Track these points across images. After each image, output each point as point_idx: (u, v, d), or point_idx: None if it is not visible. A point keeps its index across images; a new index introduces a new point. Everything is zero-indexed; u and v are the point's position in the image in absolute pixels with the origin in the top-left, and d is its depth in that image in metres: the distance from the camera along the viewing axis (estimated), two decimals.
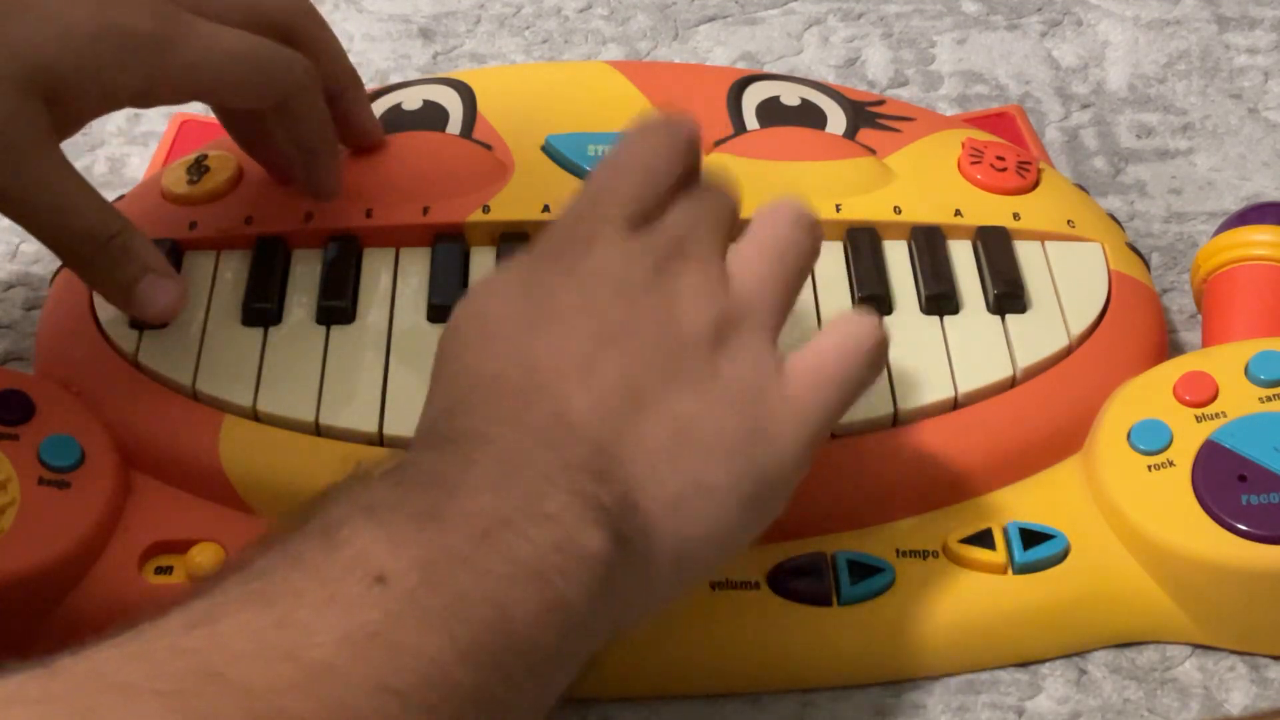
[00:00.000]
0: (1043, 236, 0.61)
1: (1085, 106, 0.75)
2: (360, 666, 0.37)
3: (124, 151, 0.71)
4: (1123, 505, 0.53)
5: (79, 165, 0.70)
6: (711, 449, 0.46)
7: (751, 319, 0.48)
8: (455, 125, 0.65)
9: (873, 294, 0.58)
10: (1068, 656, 0.53)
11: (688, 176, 0.51)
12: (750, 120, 0.65)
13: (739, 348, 0.48)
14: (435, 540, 0.40)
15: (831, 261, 0.60)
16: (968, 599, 0.53)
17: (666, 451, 0.45)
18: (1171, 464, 0.53)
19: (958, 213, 0.62)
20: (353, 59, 0.76)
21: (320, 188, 0.59)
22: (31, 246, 0.67)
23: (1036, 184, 0.63)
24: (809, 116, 0.66)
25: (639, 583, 0.44)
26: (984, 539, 0.53)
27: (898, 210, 0.61)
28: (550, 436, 0.44)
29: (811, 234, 0.51)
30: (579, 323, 0.47)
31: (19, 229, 0.67)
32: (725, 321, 0.48)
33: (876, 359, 0.50)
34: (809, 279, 0.59)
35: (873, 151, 0.64)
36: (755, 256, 0.50)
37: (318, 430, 0.54)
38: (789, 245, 0.51)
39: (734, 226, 0.52)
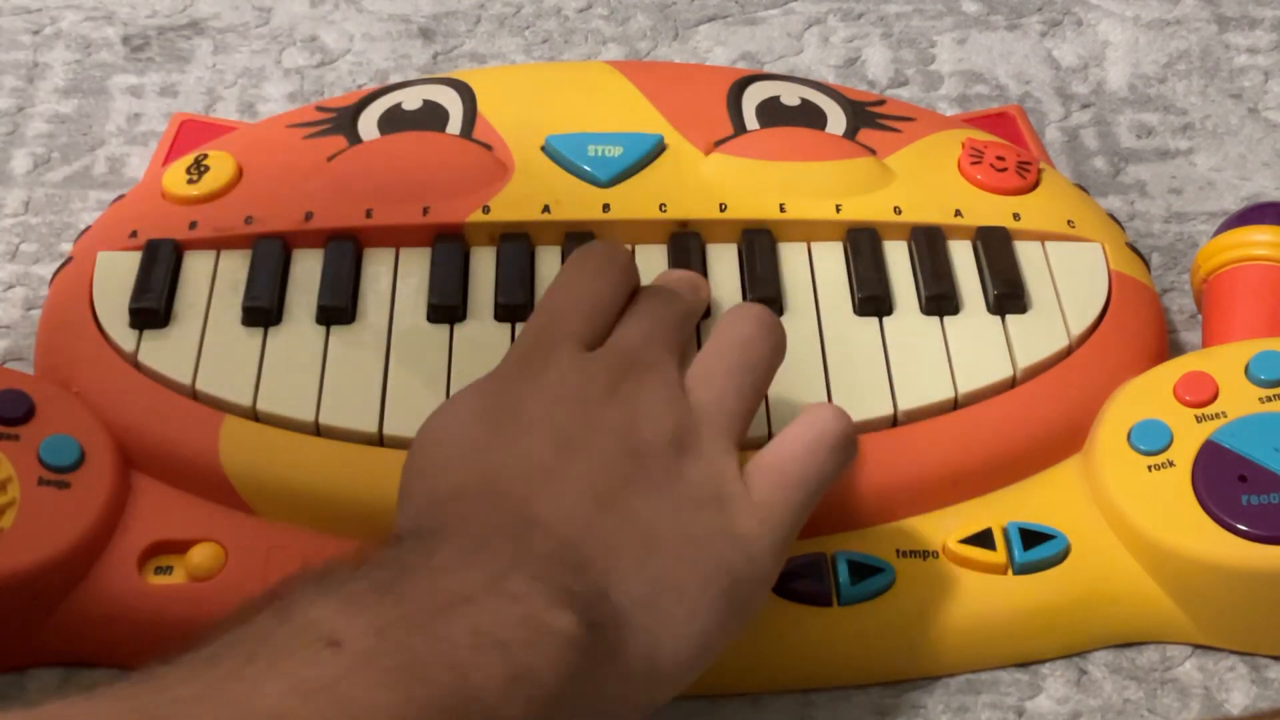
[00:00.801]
0: (1043, 237, 0.61)
1: (1085, 106, 0.75)
2: (310, 714, 0.37)
3: (124, 151, 0.71)
4: (1123, 505, 0.53)
5: (79, 165, 0.70)
6: (679, 552, 0.46)
7: (711, 426, 0.49)
8: (455, 125, 0.65)
9: (873, 294, 0.58)
10: (1068, 656, 0.53)
11: (632, 292, 0.53)
12: (750, 120, 0.65)
13: (699, 454, 0.48)
14: (392, 610, 0.40)
15: (831, 262, 0.60)
16: (968, 599, 0.53)
17: (634, 552, 0.45)
18: (1171, 464, 0.53)
19: (958, 213, 0.62)
20: (353, 59, 0.76)
21: None
22: (31, 246, 0.67)
23: (1036, 184, 0.63)
24: (809, 116, 0.66)
25: (613, 674, 0.43)
26: (984, 539, 0.53)
27: (898, 210, 0.61)
28: (515, 531, 0.44)
29: (772, 337, 0.52)
30: (540, 435, 0.47)
31: (19, 229, 0.67)
32: (685, 429, 0.48)
33: (843, 449, 0.50)
34: (808, 282, 0.59)
35: (873, 151, 0.64)
36: (715, 365, 0.51)
37: (317, 430, 0.54)
38: (749, 351, 0.51)
39: (686, 330, 0.53)
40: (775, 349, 0.52)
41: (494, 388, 0.50)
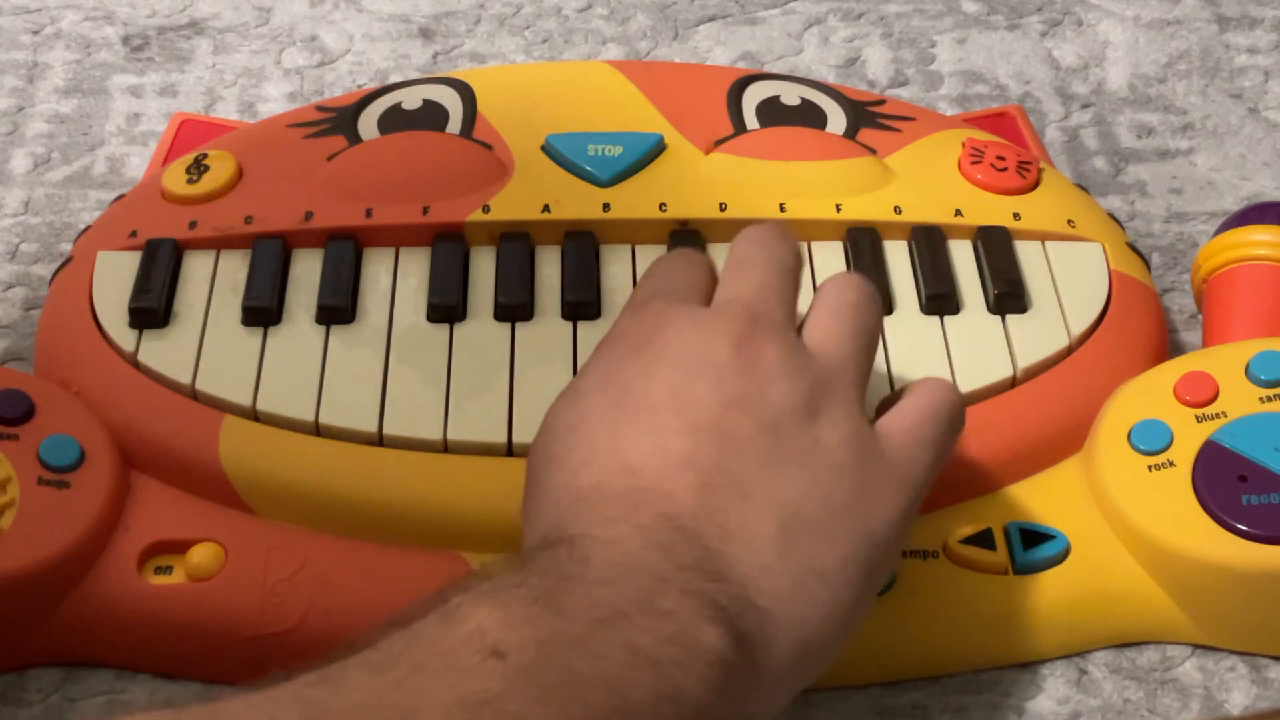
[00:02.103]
0: (1043, 236, 0.61)
1: (1085, 106, 0.75)
2: None
3: (124, 151, 0.71)
4: (1123, 505, 0.53)
5: (78, 165, 0.70)
6: (822, 528, 0.45)
7: (839, 384, 0.48)
8: (455, 125, 0.65)
9: None
10: (1068, 656, 0.53)
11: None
12: (750, 120, 0.65)
13: (834, 415, 0.47)
14: (551, 623, 0.40)
15: (832, 262, 0.60)
16: (968, 599, 0.53)
17: (776, 542, 0.45)
18: (1172, 464, 0.53)
19: (958, 213, 0.62)
20: (353, 59, 0.76)
21: None
22: (31, 246, 0.67)
23: (1037, 184, 0.63)
24: (809, 116, 0.66)
25: (759, 678, 0.43)
26: (984, 539, 0.53)
27: (898, 210, 0.61)
28: (660, 538, 0.44)
29: (878, 306, 0.51)
30: (672, 418, 0.46)
31: (19, 228, 0.67)
32: (816, 391, 0.47)
33: (959, 421, 0.50)
34: (809, 282, 0.59)
35: (873, 151, 0.64)
36: (832, 324, 0.50)
37: (317, 430, 0.54)
38: (860, 310, 0.50)
39: (798, 280, 0.52)
40: (880, 318, 0.52)
41: (617, 363, 0.48)
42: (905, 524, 0.47)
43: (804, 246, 0.58)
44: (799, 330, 0.50)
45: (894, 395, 0.51)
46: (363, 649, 0.40)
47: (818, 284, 0.58)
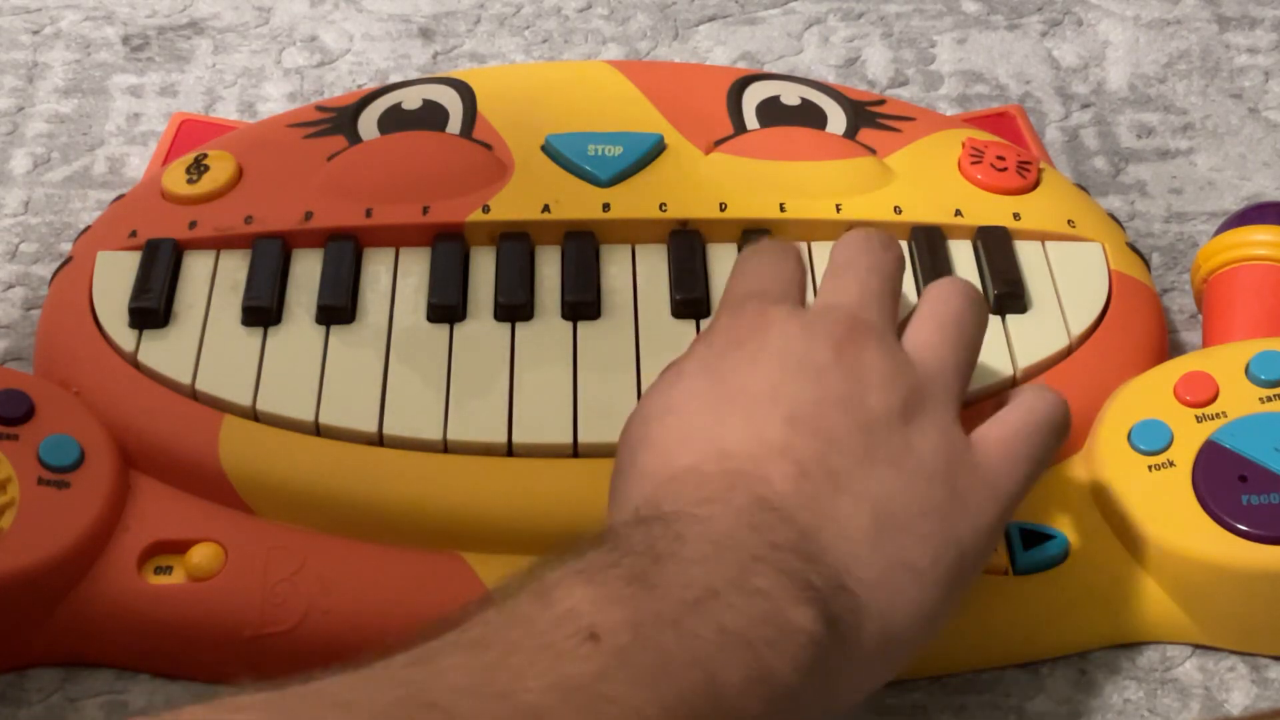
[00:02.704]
0: (1043, 236, 0.61)
1: (1085, 106, 0.75)
2: (568, 713, 0.38)
3: (124, 151, 0.71)
4: (1123, 505, 0.53)
5: (78, 165, 0.70)
6: (912, 527, 0.46)
7: (936, 394, 0.48)
8: (455, 125, 0.65)
9: None
10: (1068, 656, 0.53)
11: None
12: (750, 120, 0.65)
13: (928, 423, 0.48)
14: (646, 604, 0.41)
15: None
16: (968, 599, 0.53)
17: (868, 534, 0.45)
18: (1172, 464, 0.53)
19: (958, 213, 0.62)
20: (352, 59, 0.76)
21: None
22: (31, 246, 0.67)
23: (1037, 184, 0.63)
24: (809, 116, 0.66)
25: (847, 663, 0.44)
26: None
27: (898, 210, 0.61)
28: (755, 519, 0.44)
29: (983, 315, 0.52)
30: (770, 409, 0.47)
31: (19, 229, 0.67)
32: (913, 398, 0.48)
33: (1063, 432, 0.50)
34: (812, 281, 0.59)
35: (873, 151, 0.64)
36: (934, 332, 0.50)
37: (317, 430, 0.54)
38: (964, 320, 0.51)
39: (899, 285, 0.52)
40: (983, 328, 0.52)
41: (718, 355, 0.49)
42: (995, 534, 0.48)
43: (804, 247, 0.58)
44: (901, 333, 0.50)
45: (1001, 400, 0.51)
46: (457, 625, 0.40)
47: (818, 284, 0.59)
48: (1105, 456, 0.54)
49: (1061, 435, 0.51)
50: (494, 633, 0.40)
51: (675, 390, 0.48)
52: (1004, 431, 0.49)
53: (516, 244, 0.60)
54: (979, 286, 0.58)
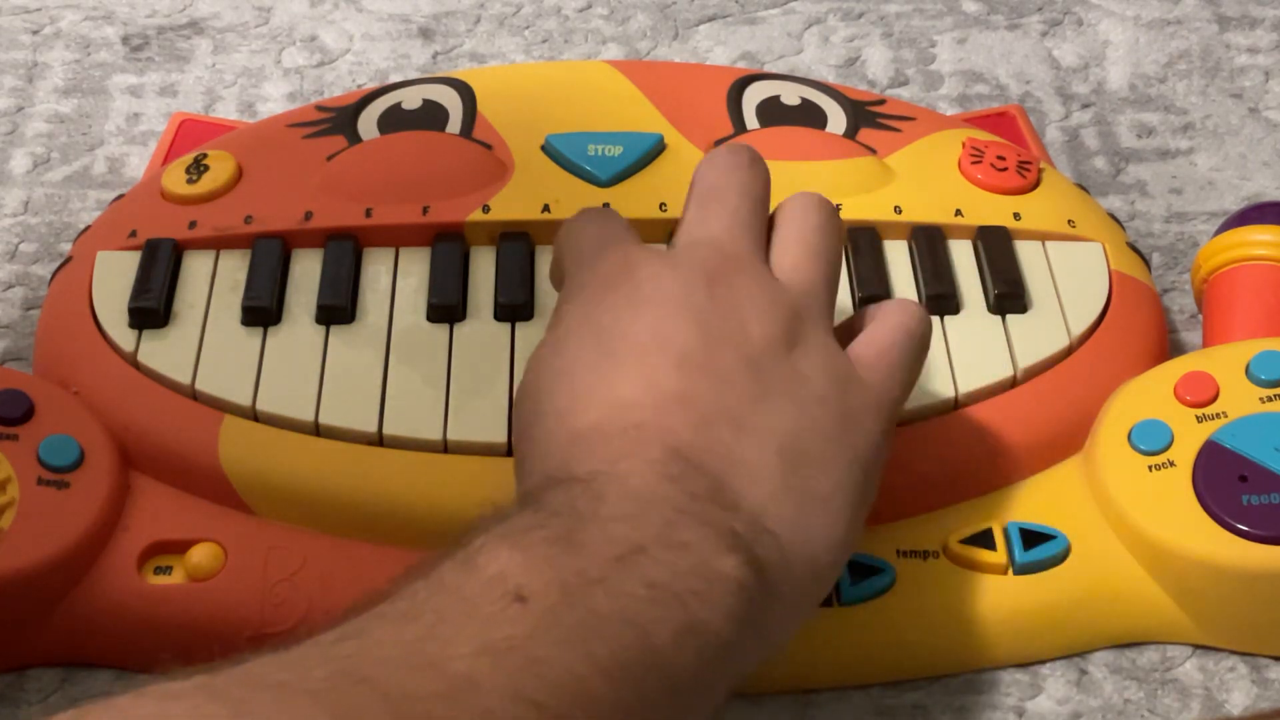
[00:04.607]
0: (1043, 236, 0.61)
1: (1086, 106, 0.75)
2: (500, 677, 0.38)
3: (123, 151, 0.71)
4: (1123, 505, 0.53)
5: (78, 165, 0.70)
6: (815, 456, 0.46)
7: (813, 315, 0.49)
8: (455, 125, 0.65)
9: (873, 294, 0.58)
10: (1068, 656, 0.53)
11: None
12: (750, 120, 0.65)
13: (811, 346, 0.48)
14: (572, 564, 0.41)
15: None
16: (968, 599, 0.53)
17: (776, 472, 0.45)
18: (1172, 464, 0.53)
19: (958, 212, 0.62)
20: (352, 59, 0.76)
21: None
22: (31, 246, 0.67)
23: (1037, 184, 0.63)
24: (809, 116, 0.66)
25: (777, 604, 0.44)
26: (984, 539, 0.53)
27: (898, 210, 0.61)
28: (669, 470, 0.44)
29: (839, 225, 0.52)
30: (659, 357, 0.46)
31: (19, 228, 0.67)
32: (791, 322, 0.48)
33: (927, 342, 0.51)
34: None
35: (873, 151, 0.64)
36: (799, 252, 0.50)
37: (317, 430, 0.54)
38: (825, 233, 0.51)
39: (764, 209, 0.51)
40: (841, 238, 0.52)
41: (590, 309, 0.49)
42: (885, 444, 0.48)
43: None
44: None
45: (859, 318, 0.51)
46: (385, 599, 0.40)
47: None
48: (1105, 456, 0.54)
49: (926, 343, 0.51)
50: (421, 603, 0.40)
51: (560, 355, 0.48)
52: (879, 345, 0.49)
53: (516, 244, 0.60)
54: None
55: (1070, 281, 0.60)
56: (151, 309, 0.57)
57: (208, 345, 0.57)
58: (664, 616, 0.41)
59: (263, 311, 0.57)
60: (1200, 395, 0.55)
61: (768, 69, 0.76)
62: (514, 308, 0.58)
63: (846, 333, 0.50)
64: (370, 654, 0.38)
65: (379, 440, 0.54)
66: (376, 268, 0.60)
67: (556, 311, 0.50)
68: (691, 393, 0.46)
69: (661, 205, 0.61)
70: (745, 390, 0.46)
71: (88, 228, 0.63)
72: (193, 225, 0.61)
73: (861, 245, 0.60)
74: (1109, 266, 0.61)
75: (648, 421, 0.45)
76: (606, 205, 0.58)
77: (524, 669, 0.38)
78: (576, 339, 0.48)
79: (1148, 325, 0.60)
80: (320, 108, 0.67)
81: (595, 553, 0.41)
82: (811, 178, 0.62)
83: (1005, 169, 0.63)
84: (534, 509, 0.43)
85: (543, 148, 0.63)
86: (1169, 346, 0.61)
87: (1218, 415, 0.54)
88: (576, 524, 0.42)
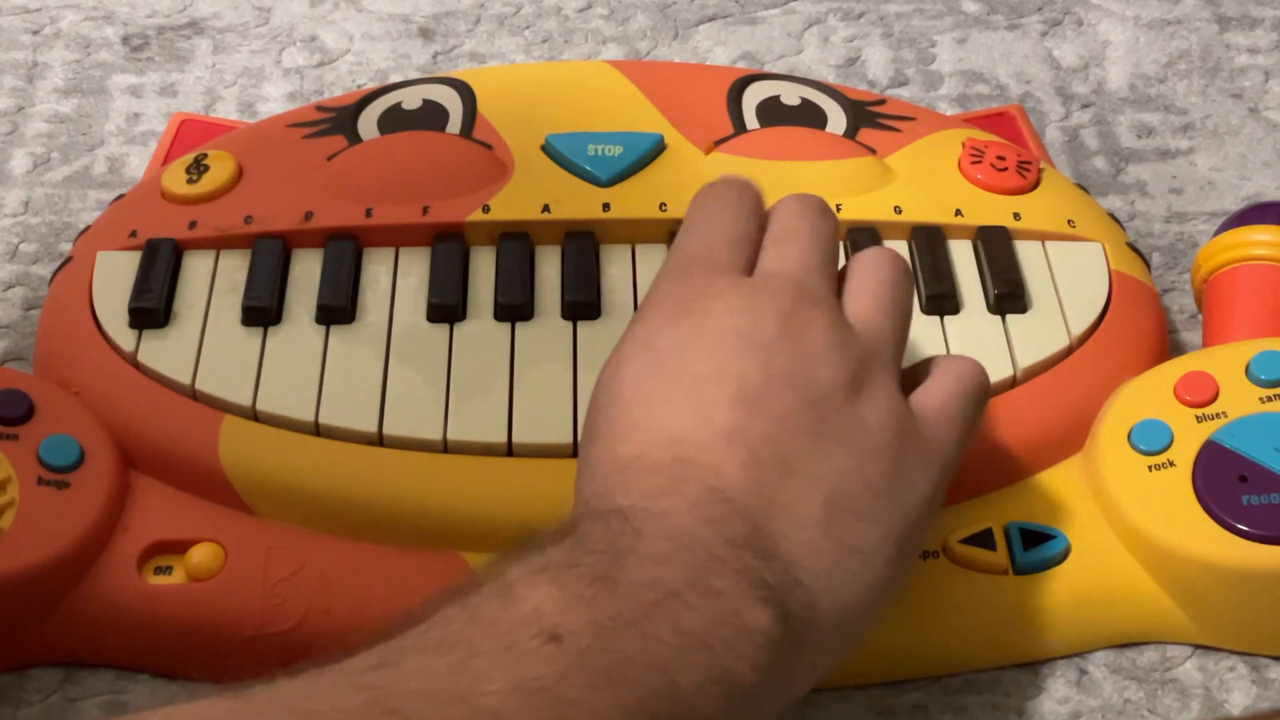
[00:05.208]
0: (1043, 236, 0.61)
1: (1086, 106, 0.75)
2: (529, 716, 0.38)
3: (123, 151, 0.71)
4: (1123, 505, 0.53)
5: (78, 165, 0.70)
6: (862, 508, 0.45)
7: (881, 364, 0.48)
8: (455, 125, 0.65)
9: None
10: (1068, 656, 0.53)
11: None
12: (750, 120, 0.65)
13: (876, 394, 0.47)
14: (607, 605, 0.40)
15: None
16: (968, 599, 0.53)
17: (819, 520, 0.45)
18: (1172, 464, 0.53)
19: (958, 212, 0.62)
20: (352, 59, 0.76)
21: None
22: (31, 246, 0.67)
23: (1037, 184, 0.63)
24: (809, 116, 0.66)
25: (802, 656, 0.44)
26: (984, 539, 0.53)
27: (898, 210, 0.61)
28: (710, 512, 0.44)
29: (910, 276, 0.51)
30: (717, 390, 0.46)
31: (19, 228, 0.67)
32: (859, 370, 0.47)
33: (986, 397, 0.50)
34: None
35: (873, 151, 0.64)
36: (870, 301, 0.50)
37: (317, 430, 0.54)
38: (897, 288, 0.50)
39: (836, 253, 0.51)
40: (913, 295, 0.52)
41: (658, 331, 0.48)
42: (936, 501, 0.48)
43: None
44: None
45: (920, 369, 0.51)
46: (420, 622, 0.40)
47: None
48: (1105, 456, 0.54)
49: (985, 402, 0.51)
50: (456, 633, 0.40)
51: (618, 377, 0.48)
52: (940, 400, 0.49)
53: (516, 244, 0.60)
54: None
55: (1070, 281, 0.60)
56: (151, 309, 0.57)
57: (208, 345, 0.57)
58: (692, 663, 0.40)
59: (263, 311, 0.57)
60: (1200, 395, 0.55)
61: (768, 69, 0.76)
62: (514, 308, 0.58)
63: (906, 382, 0.50)
64: (402, 685, 0.38)
65: (379, 440, 0.54)
66: (376, 268, 0.60)
67: (636, 316, 0.50)
68: (744, 430, 0.45)
69: (661, 205, 0.61)
70: (801, 432, 0.46)
71: (88, 228, 0.63)
72: (193, 225, 0.61)
73: (862, 245, 0.60)
74: (1109, 266, 0.61)
75: (693, 458, 0.45)
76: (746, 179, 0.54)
77: (553, 710, 0.38)
78: (639, 363, 0.48)
79: (1148, 325, 0.60)
80: (320, 108, 0.67)
81: (630, 595, 0.41)
82: (811, 178, 0.62)
83: (1005, 169, 0.63)
84: (572, 542, 0.42)
85: (543, 148, 0.63)
86: (1169, 346, 0.61)
87: (1218, 415, 0.54)
88: (614, 563, 0.42)
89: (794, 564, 0.44)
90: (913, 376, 0.50)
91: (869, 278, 0.50)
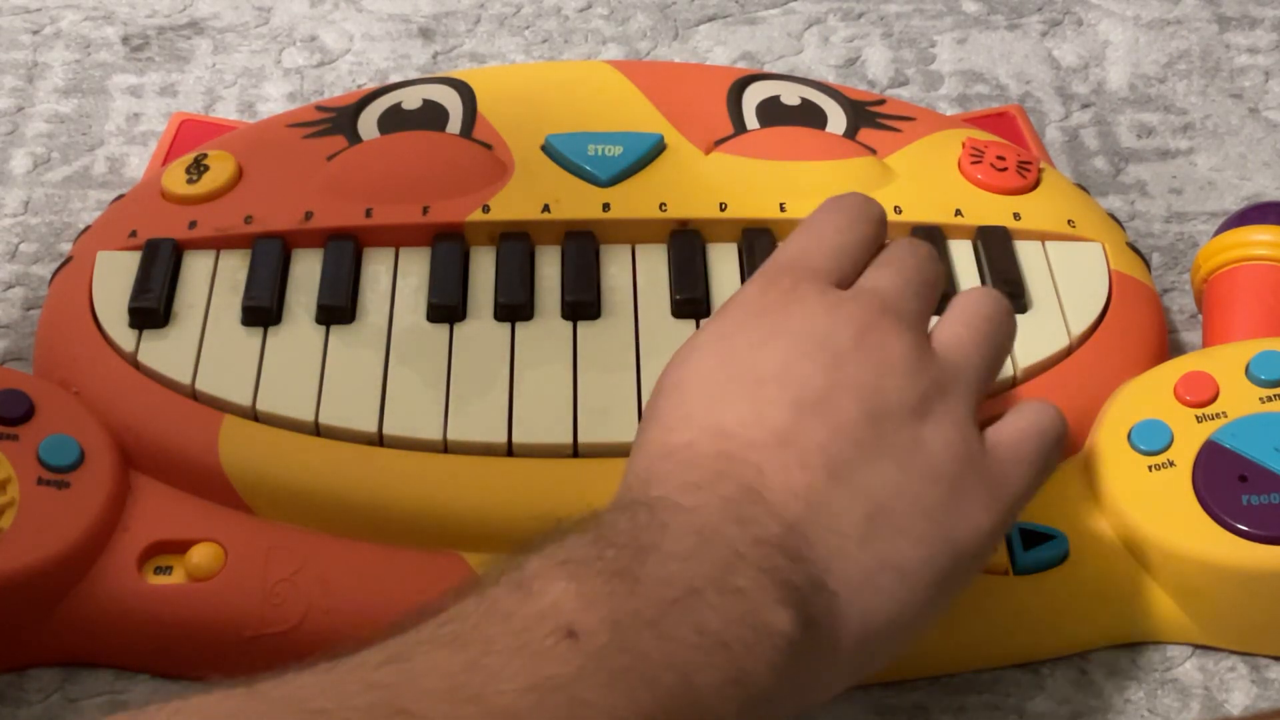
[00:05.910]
0: (1043, 236, 0.61)
1: (1086, 106, 0.75)
2: (543, 716, 0.37)
3: (123, 151, 0.71)
4: (1123, 505, 0.53)
5: (78, 165, 0.70)
6: (907, 528, 0.45)
7: (957, 390, 0.48)
8: (455, 125, 0.65)
9: None
10: (1068, 656, 0.53)
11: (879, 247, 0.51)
12: (750, 120, 0.65)
13: (944, 419, 0.47)
14: (625, 602, 0.40)
15: None
16: (968, 599, 0.53)
17: (859, 530, 0.44)
18: (1172, 464, 0.53)
19: (958, 212, 0.62)
20: (352, 59, 0.76)
21: None
22: (31, 246, 0.67)
23: (1037, 184, 0.63)
24: (809, 116, 0.66)
25: (822, 663, 0.43)
26: None
27: (898, 210, 0.61)
28: (742, 511, 0.43)
29: (1012, 323, 0.51)
30: (778, 391, 0.46)
31: (19, 228, 0.67)
32: (932, 392, 0.47)
33: (1064, 445, 0.50)
34: None
35: (873, 151, 0.64)
36: (962, 329, 0.49)
37: (317, 430, 0.54)
38: (994, 324, 0.50)
39: (938, 293, 0.51)
40: (1013, 336, 0.51)
41: (736, 327, 0.48)
42: (993, 538, 0.47)
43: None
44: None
45: (1003, 406, 0.50)
46: (435, 614, 0.40)
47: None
48: (1105, 456, 0.54)
49: (1062, 447, 0.50)
50: (471, 628, 0.39)
51: (686, 365, 0.48)
52: (1015, 436, 0.48)
53: (516, 244, 0.60)
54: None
55: (1070, 281, 0.60)
56: (151, 309, 0.57)
57: (208, 345, 0.57)
58: (710, 664, 0.40)
59: (263, 311, 0.57)
60: (1200, 395, 0.55)
61: (768, 69, 0.76)
62: (514, 308, 0.58)
63: (988, 418, 0.49)
64: (414, 684, 0.37)
65: (379, 440, 0.54)
66: (376, 268, 0.60)
67: (719, 309, 0.49)
68: (797, 432, 0.45)
69: (661, 205, 0.61)
70: (856, 444, 0.45)
71: (88, 228, 0.63)
72: (193, 225, 0.61)
73: None
74: (1109, 266, 0.61)
75: (737, 454, 0.45)
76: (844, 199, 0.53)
77: (568, 710, 0.38)
78: (709, 354, 0.48)
79: (1148, 325, 0.60)
80: (320, 108, 0.67)
81: (650, 593, 0.41)
82: (811, 178, 0.62)
83: (1005, 169, 0.63)
84: (595, 535, 0.42)
85: (543, 148, 0.63)
86: (1169, 346, 0.61)
87: (1217, 415, 0.54)
88: (635, 558, 0.41)
89: (825, 569, 0.43)
90: (994, 413, 0.50)
91: (967, 309, 0.50)
